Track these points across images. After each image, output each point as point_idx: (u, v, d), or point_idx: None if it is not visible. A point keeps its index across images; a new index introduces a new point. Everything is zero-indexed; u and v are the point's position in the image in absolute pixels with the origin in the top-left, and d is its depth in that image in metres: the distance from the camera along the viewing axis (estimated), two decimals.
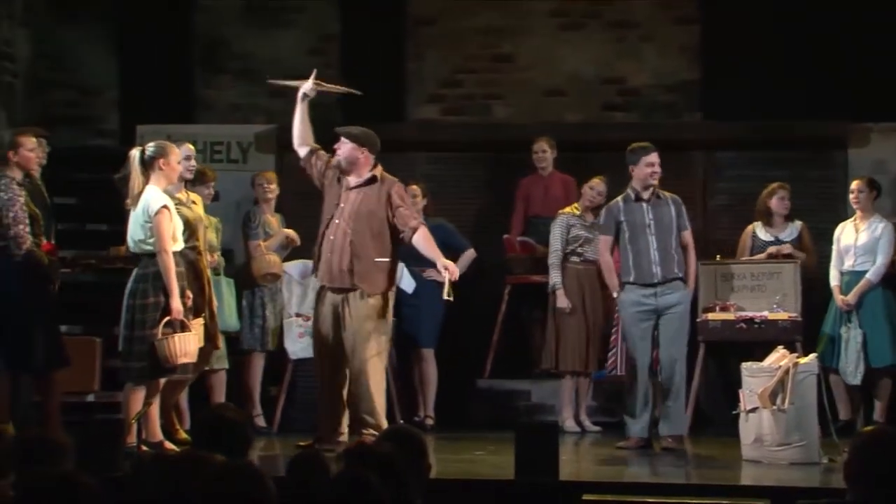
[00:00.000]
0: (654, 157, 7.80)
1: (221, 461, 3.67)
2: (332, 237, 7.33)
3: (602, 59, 10.31)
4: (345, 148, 7.39)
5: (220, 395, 8.49)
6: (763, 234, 8.93)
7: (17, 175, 7.44)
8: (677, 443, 7.69)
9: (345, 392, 7.35)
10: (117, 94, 10.64)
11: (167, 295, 7.04)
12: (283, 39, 10.49)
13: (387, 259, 7.35)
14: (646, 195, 7.79)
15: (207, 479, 3.38)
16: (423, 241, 7.33)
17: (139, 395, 7.12)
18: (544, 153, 9.51)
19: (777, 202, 8.88)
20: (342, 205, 7.35)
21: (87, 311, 9.17)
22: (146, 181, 7.18)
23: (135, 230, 7.14)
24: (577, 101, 10.30)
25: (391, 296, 7.41)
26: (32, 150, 7.49)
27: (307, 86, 7.57)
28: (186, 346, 7.07)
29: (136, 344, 7.09)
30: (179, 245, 7.20)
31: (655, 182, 7.83)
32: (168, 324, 7.03)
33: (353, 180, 7.40)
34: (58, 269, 7.56)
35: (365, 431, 7.12)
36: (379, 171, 7.43)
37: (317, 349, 7.49)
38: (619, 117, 10.23)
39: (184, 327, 7.07)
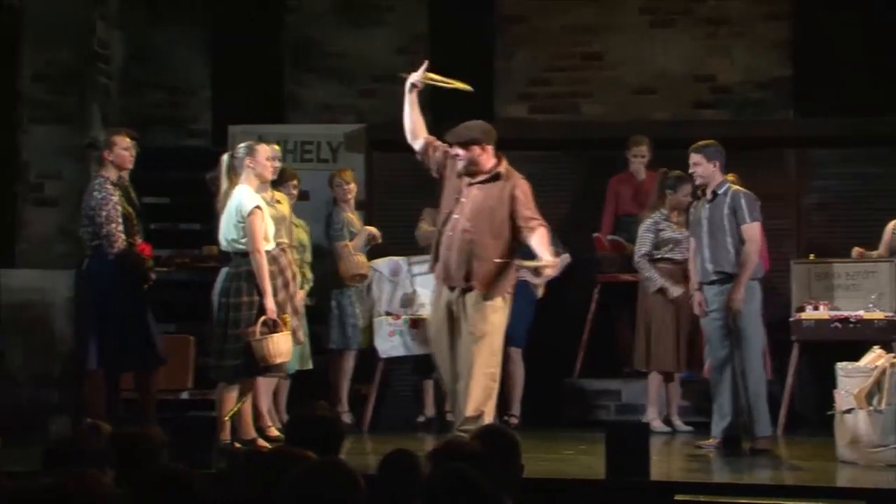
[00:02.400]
0: (691, 158, 7.69)
1: (314, 458, 3.68)
2: (450, 233, 7.12)
3: (692, 56, 10.21)
4: (463, 153, 7.12)
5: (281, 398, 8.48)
6: None
7: (112, 175, 7.51)
8: (767, 444, 7.58)
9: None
10: (209, 95, 10.75)
11: (261, 294, 7.08)
12: (372, 39, 10.52)
13: (506, 259, 7.10)
14: (708, 193, 7.70)
15: (300, 476, 3.40)
16: (538, 241, 7.05)
17: (233, 393, 7.17)
18: (643, 158, 9.45)
19: None
20: (462, 199, 7.11)
21: (181, 310, 9.27)
22: (236, 181, 7.23)
23: (227, 229, 7.19)
24: (667, 99, 10.22)
25: (508, 297, 7.18)
26: (127, 149, 7.55)
27: (415, 76, 7.34)
28: (282, 345, 7.11)
29: (229, 342, 7.14)
30: (271, 245, 7.25)
31: (696, 181, 7.75)
32: (263, 323, 7.07)
33: (476, 175, 7.14)
34: (151, 267, 7.62)
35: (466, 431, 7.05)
36: (503, 166, 7.18)
37: (432, 344, 7.34)
38: (709, 115, 10.13)
39: (276, 326, 7.11)
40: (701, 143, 7.71)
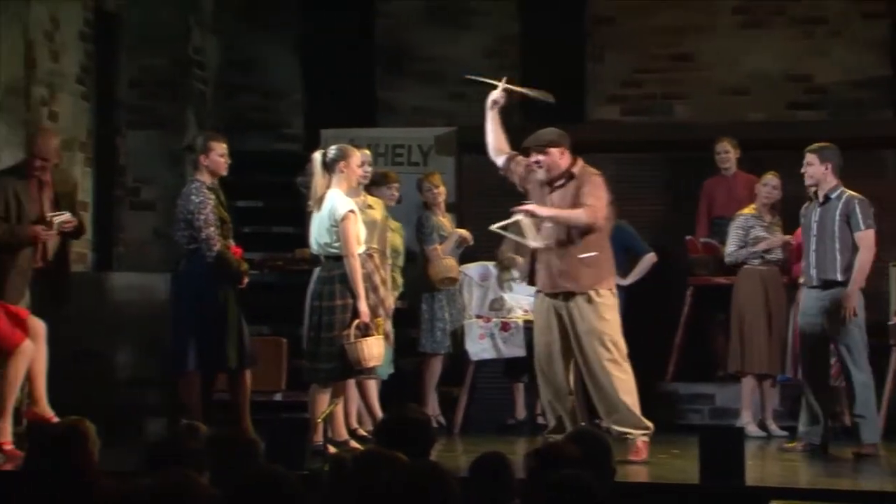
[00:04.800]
0: (805, 157, 7.61)
1: (408, 461, 3.70)
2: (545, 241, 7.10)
3: (787, 56, 10.10)
4: (543, 159, 7.08)
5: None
6: None
7: (207, 179, 7.58)
8: (873, 450, 7.45)
9: (567, 393, 7.13)
10: (301, 99, 10.84)
11: (354, 298, 7.13)
12: (462, 42, 10.54)
13: (593, 253, 7.02)
14: (819, 196, 7.60)
15: (396, 478, 3.41)
16: (564, 216, 7.01)
17: (325, 395, 7.22)
18: (727, 153, 9.37)
19: None
20: (548, 205, 7.08)
21: (274, 312, 9.36)
22: (328, 184, 7.28)
23: (320, 233, 7.23)
24: (761, 100, 10.11)
25: (613, 290, 7.11)
26: (223, 155, 7.60)
27: (496, 93, 7.29)
28: (375, 349, 7.15)
29: (322, 345, 7.19)
30: (361, 248, 7.29)
31: (807, 182, 7.64)
32: (357, 327, 7.12)
33: (555, 181, 7.13)
34: (245, 270, 7.70)
35: (629, 435, 6.98)
36: (578, 166, 7.14)
37: (539, 353, 7.20)
38: (805, 116, 10.00)
39: (369, 330, 7.15)
40: (817, 144, 7.62)
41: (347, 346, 7.07)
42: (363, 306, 7.11)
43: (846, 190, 7.59)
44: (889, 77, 9.91)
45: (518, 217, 7.01)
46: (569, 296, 7.01)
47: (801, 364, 7.86)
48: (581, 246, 6.99)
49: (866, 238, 7.48)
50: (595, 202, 6.99)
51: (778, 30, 10.11)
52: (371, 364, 7.16)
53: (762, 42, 10.11)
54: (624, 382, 6.96)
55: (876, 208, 7.75)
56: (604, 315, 6.99)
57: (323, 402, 7.19)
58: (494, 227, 7.06)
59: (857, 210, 7.50)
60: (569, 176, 7.11)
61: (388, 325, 7.93)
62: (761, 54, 10.11)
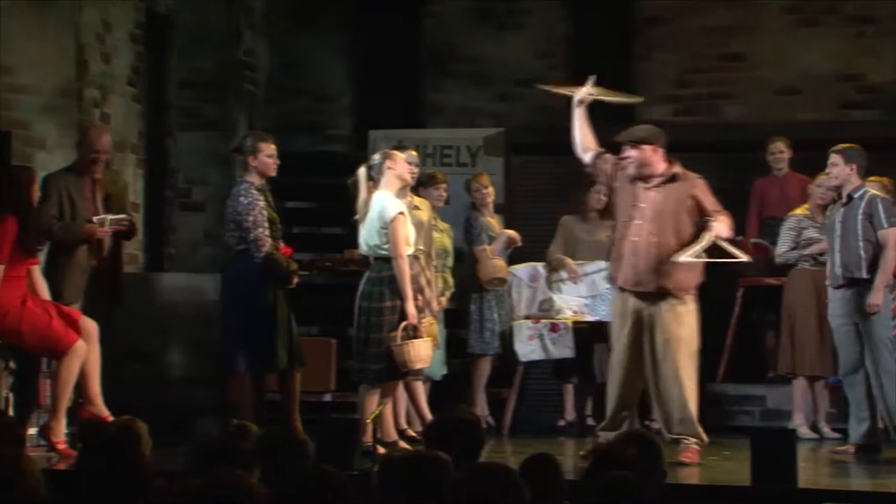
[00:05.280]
0: (830, 158, 7.56)
1: (480, 464, 3.70)
2: (635, 238, 7.00)
3: (839, 55, 10.02)
4: (635, 154, 7.02)
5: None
6: None
7: (256, 180, 7.59)
8: None
9: (636, 396, 7.12)
10: (350, 100, 10.86)
11: (402, 299, 7.13)
12: (511, 42, 10.53)
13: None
14: (843, 196, 7.56)
15: (467, 480, 3.40)
16: (726, 228, 6.96)
17: (374, 396, 7.23)
18: (781, 154, 9.30)
19: None
20: (642, 204, 7.00)
21: (323, 313, 9.38)
22: (375, 187, 7.29)
23: (370, 234, 7.24)
24: (812, 100, 10.03)
25: (695, 296, 7.10)
26: (271, 155, 7.62)
27: (582, 91, 7.21)
28: (422, 351, 7.15)
29: (371, 346, 7.20)
30: (410, 250, 7.29)
31: (832, 183, 7.66)
32: (404, 328, 7.12)
33: (650, 179, 7.04)
34: (294, 270, 7.72)
35: (686, 441, 6.95)
36: (678, 167, 7.09)
37: (616, 351, 7.15)
38: (857, 115, 9.91)
39: (416, 332, 7.15)
40: (842, 145, 7.60)
41: (395, 349, 7.07)
42: (411, 308, 7.12)
43: (869, 189, 7.57)
44: None
45: (708, 241, 6.86)
46: (655, 297, 6.95)
47: (839, 366, 7.81)
48: (677, 249, 6.93)
49: (889, 236, 7.45)
50: (719, 207, 7.01)
51: (829, 29, 10.02)
52: (418, 366, 7.17)
53: (813, 41, 10.03)
54: (692, 392, 6.97)
55: None
56: (686, 322, 6.98)
57: (372, 402, 7.21)
58: (685, 257, 6.86)
59: (880, 208, 7.48)
60: (671, 177, 7.03)
61: (437, 327, 7.92)
62: (812, 54, 10.03)
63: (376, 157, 7.39)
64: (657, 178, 7.02)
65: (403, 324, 7.10)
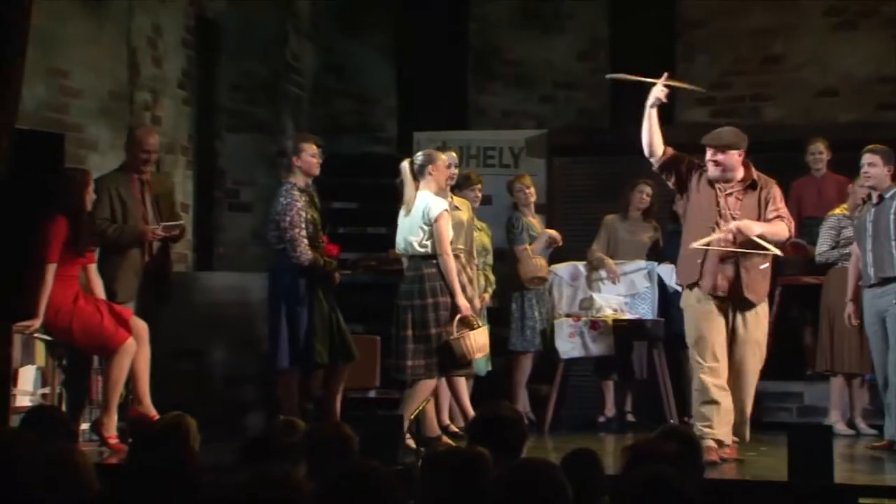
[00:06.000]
0: (865, 158, 7.50)
1: (524, 459, 3.71)
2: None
3: (877, 57, 9.95)
4: (721, 158, 6.92)
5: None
6: None
7: (300, 181, 7.60)
8: None
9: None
10: (395, 103, 10.89)
11: (452, 295, 7.16)
12: (553, 45, 10.53)
13: (769, 265, 6.97)
14: (873, 197, 7.50)
15: (503, 476, 3.41)
16: (771, 228, 6.91)
17: (418, 392, 7.25)
18: (821, 154, 9.25)
19: None
20: (724, 210, 6.91)
21: (368, 312, 9.41)
22: (418, 187, 7.32)
23: (411, 230, 7.27)
24: (851, 101, 9.97)
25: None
26: (314, 155, 7.62)
27: (658, 91, 7.02)
28: (480, 340, 7.20)
29: (413, 343, 7.22)
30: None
31: (867, 183, 7.56)
32: (459, 321, 7.16)
33: (730, 184, 6.96)
34: (335, 268, 7.73)
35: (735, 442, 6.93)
36: (754, 172, 7.03)
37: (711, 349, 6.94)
38: (894, 117, 9.84)
39: (471, 322, 7.20)
40: (878, 145, 7.54)
41: (453, 342, 7.10)
42: (462, 301, 7.15)
43: None
44: None
45: (720, 235, 6.82)
46: (742, 303, 6.88)
47: (874, 364, 7.76)
48: (762, 256, 6.90)
49: None
50: (788, 214, 6.99)
51: (867, 31, 9.96)
52: (478, 355, 7.25)
53: (851, 44, 9.97)
54: (754, 393, 7.01)
55: None
56: (764, 326, 6.98)
57: (416, 399, 7.22)
58: (698, 244, 6.83)
59: None
60: (752, 184, 6.97)
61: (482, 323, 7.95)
62: (851, 56, 9.97)
63: (419, 157, 7.42)
64: (738, 182, 6.95)
65: (458, 316, 7.14)
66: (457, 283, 7.16)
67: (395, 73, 10.88)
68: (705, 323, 6.89)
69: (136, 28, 9.14)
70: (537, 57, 10.54)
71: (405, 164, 7.40)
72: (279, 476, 3.36)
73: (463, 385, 8.07)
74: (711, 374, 6.81)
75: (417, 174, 7.33)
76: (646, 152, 7.08)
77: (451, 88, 10.73)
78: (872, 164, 7.50)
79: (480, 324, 7.30)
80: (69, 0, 8.48)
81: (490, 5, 10.73)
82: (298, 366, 7.58)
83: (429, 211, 7.18)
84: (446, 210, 7.20)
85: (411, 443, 7.01)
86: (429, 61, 10.60)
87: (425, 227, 7.19)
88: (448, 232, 7.19)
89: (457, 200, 8.10)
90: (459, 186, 8.40)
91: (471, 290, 7.68)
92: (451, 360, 7.17)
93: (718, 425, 6.80)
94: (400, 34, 10.83)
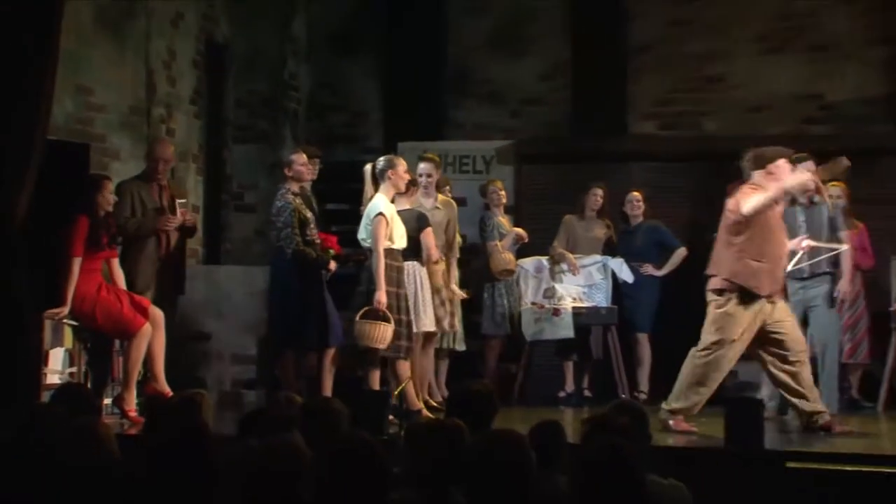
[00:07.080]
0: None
1: (494, 429, 3.71)
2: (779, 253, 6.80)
3: (801, 77, 9.99)
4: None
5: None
6: None
7: (294, 187, 7.67)
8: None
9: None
10: (381, 116, 10.87)
11: (377, 287, 7.03)
12: (521, 66, 10.52)
13: None
14: (801, 198, 7.57)
15: (476, 444, 3.42)
16: None
17: (406, 366, 7.23)
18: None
19: None
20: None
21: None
22: (377, 189, 7.29)
23: (364, 229, 7.24)
24: (778, 116, 10.00)
25: None
26: (304, 164, 7.70)
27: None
28: (385, 333, 7.04)
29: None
30: (398, 244, 7.24)
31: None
32: (372, 312, 7.03)
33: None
34: (327, 260, 7.72)
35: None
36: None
37: (734, 353, 6.83)
38: (816, 130, 9.89)
39: (377, 315, 7.05)
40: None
41: (357, 323, 7.01)
42: (381, 295, 7.02)
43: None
44: (891, 94, 9.76)
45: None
46: (776, 301, 6.81)
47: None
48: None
49: (844, 236, 7.62)
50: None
51: (792, 55, 9.99)
52: (379, 346, 7.05)
53: (780, 65, 10.00)
54: None
55: (877, 209, 7.70)
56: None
57: (400, 375, 7.21)
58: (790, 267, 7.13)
59: (837, 213, 7.64)
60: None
61: (442, 312, 7.93)
62: (779, 76, 10.00)
63: (381, 162, 7.38)
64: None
65: (372, 307, 7.01)
66: (381, 278, 7.04)
67: (382, 90, 10.86)
68: (746, 326, 6.73)
69: (153, 51, 9.12)
70: (507, 77, 10.54)
71: (368, 168, 7.39)
72: (285, 444, 3.37)
73: (441, 365, 8.08)
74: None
75: (378, 177, 7.30)
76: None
77: (430, 104, 10.71)
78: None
79: (390, 319, 7.12)
80: (94, 26, 8.46)
81: (466, 31, 10.72)
82: (292, 346, 7.58)
83: (370, 212, 7.16)
84: (382, 214, 7.11)
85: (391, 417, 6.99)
86: (411, 80, 10.57)
87: (369, 227, 7.17)
88: (382, 233, 7.08)
89: (441, 200, 8.12)
90: (437, 187, 8.41)
91: (443, 279, 7.66)
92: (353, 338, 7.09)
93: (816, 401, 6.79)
94: (386, 56, 10.80)
